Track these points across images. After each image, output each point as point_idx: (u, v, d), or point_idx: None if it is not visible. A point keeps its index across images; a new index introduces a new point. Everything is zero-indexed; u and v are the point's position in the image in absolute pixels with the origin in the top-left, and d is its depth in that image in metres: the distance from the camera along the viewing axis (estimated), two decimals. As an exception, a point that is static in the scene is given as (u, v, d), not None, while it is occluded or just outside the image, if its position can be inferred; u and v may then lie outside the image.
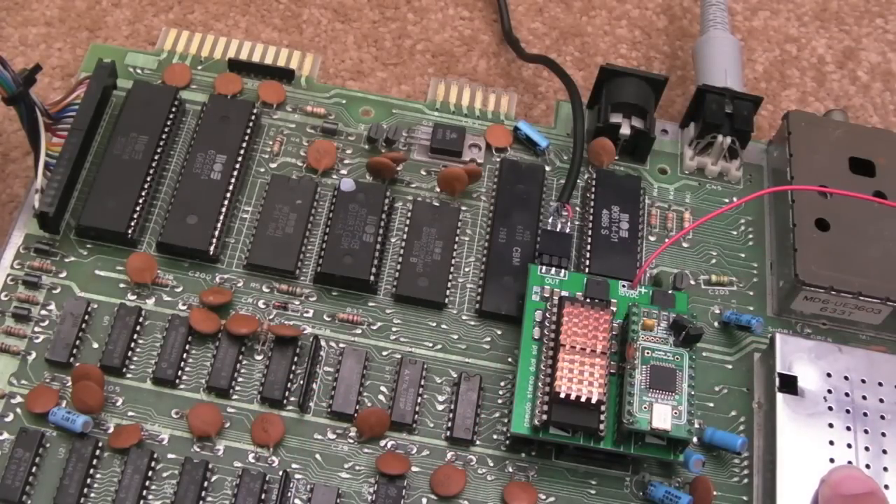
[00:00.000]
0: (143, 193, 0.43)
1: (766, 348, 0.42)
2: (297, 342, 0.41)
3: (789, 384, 0.40)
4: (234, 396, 0.40)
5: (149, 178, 0.44)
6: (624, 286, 0.42)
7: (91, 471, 0.38)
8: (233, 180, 0.44)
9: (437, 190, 0.46)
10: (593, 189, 0.46)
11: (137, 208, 0.43)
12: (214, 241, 0.43)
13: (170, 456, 0.39)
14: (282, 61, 0.49)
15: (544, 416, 0.38)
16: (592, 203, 0.45)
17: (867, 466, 0.39)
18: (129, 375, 0.40)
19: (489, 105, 0.49)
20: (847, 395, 0.40)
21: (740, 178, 0.48)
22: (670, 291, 0.41)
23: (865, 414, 0.40)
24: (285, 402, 0.40)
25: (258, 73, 0.49)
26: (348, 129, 0.47)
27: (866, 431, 0.39)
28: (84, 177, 0.45)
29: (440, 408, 0.41)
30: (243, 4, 0.54)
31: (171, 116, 0.46)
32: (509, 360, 0.42)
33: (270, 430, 0.39)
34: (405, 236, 0.44)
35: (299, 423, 0.40)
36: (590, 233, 0.44)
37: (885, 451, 0.39)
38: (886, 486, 0.38)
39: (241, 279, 0.43)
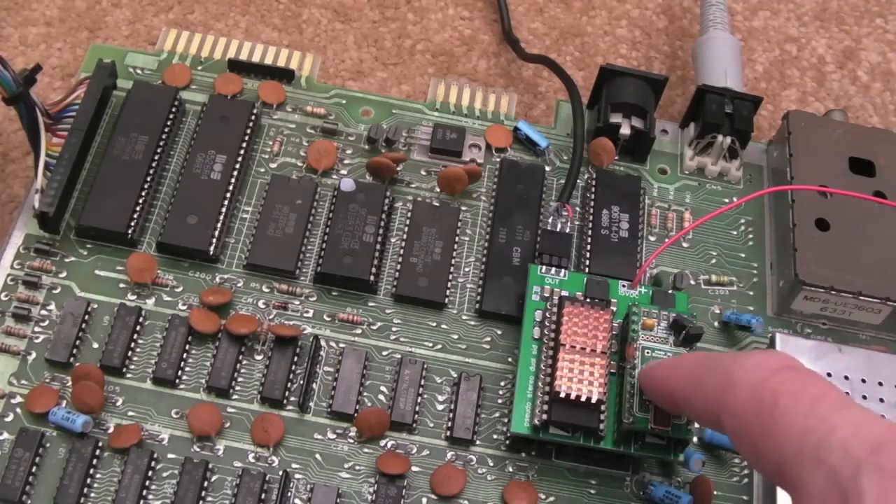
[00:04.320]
0: (143, 193, 0.43)
1: (766, 348, 0.42)
2: (297, 342, 0.41)
3: (789, 384, 0.40)
4: (234, 396, 0.40)
5: (149, 179, 0.44)
6: (624, 286, 0.42)
7: (91, 471, 0.38)
8: (233, 180, 0.44)
9: (437, 190, 0.46)
10: (593, 189, 0.46)
11: (137, 208, 0.43)
12: (214, 241, 0.43)
13: (170, 456, 0.39)
14: (282, 61, 0.49)
15: (544, 416, 0.38)
16: (592, 203, 0.45)
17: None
18: (129, 375, 0.40)
19: (489, 105, 0.49)
20: (847, 394, 0.40)
21: (740, 178, 0.48)
22: (670, 291, 0.41)
23: (865, 414, 0.40)
24: (285, 402, 0.40)
25: (258, 74, 0.49)
26: (348, 130, 0.47)
27: (866, 431, 0.39)
28: (84, 177, 0.45)
29: (440, 408, 0.41)
30: (243, 4, 0.54)
31: (171, 117, 0.46)
32: (509, 360, 0.42)
33: (270, 430, 0.39)
34: (405, 236, 0.44)
35: (299, 423, 0.40)
36: (590, 233, 0.44)
37: (885, 451, 0.39)
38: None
39: (241, 279, 0.43)
